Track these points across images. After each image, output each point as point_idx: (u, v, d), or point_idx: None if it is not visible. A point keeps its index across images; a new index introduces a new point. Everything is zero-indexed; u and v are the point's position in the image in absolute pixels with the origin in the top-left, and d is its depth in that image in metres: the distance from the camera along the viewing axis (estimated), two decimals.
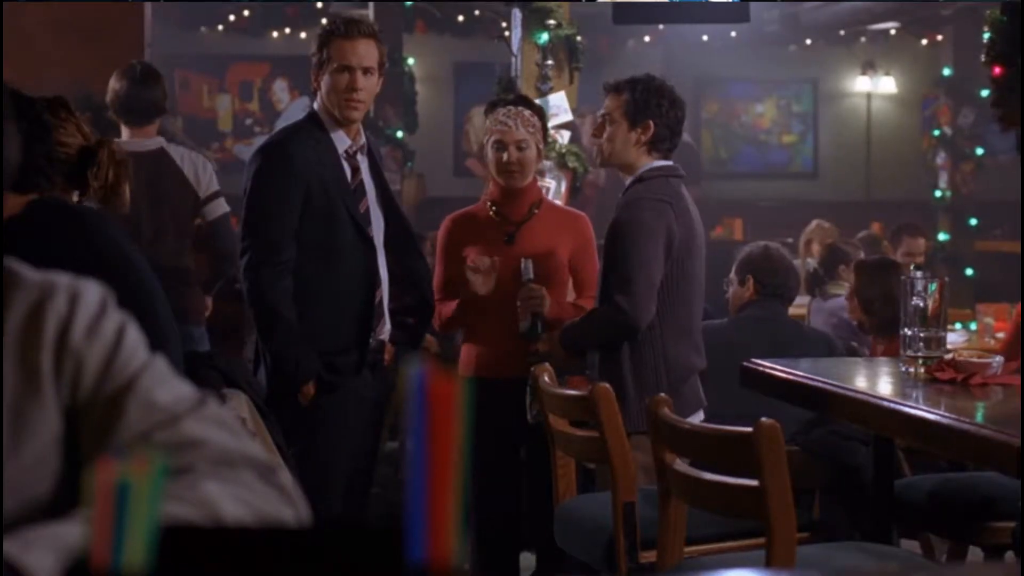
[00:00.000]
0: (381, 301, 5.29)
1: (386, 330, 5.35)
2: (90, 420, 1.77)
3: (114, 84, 6.62)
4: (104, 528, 1.27)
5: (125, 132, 6.60)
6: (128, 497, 1.29)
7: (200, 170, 6.64)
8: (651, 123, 5.22)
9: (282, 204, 5.13)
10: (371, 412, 5.30)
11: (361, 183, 5.28)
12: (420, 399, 1.14)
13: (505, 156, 5.52)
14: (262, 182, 5.17)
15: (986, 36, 5.36)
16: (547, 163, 7.18)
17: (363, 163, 5.31)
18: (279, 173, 5.14)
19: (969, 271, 14.37)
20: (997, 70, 5.26)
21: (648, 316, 5.05)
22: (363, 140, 5.33)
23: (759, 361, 5.03)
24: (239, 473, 1.69)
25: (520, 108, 5.60)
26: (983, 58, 5.33)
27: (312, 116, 5.29)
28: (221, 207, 6.76)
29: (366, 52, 5.17)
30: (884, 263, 6.50)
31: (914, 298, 4.61)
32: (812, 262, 9.37)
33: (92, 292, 1.82)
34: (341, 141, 5.24)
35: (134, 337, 1.82)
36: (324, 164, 5.18)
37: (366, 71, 5.16)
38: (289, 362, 5.05)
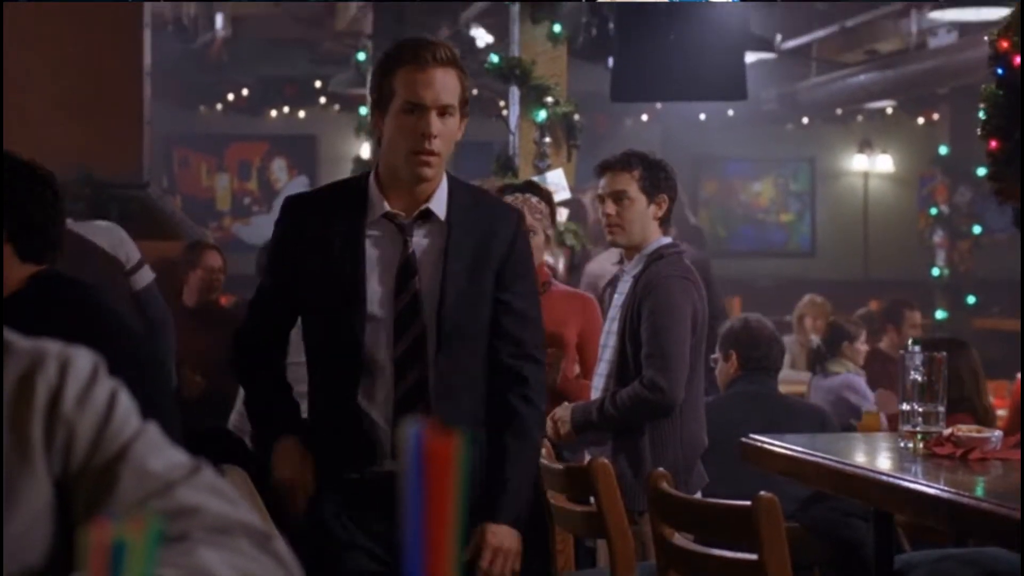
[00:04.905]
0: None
1: None
2: (83, 489, 1.76)
3: None
4: None
5: None
6: (122, 564, 1.28)
7: (116, 242, 6.31)
8: (665, 197, 5.22)
9: (274, 280, 4.02)
10: None
11: (402, 269, 3.83)
12: (417, 457, 1.14)
13: None
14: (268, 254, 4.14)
15: (981, 110, 5.38)
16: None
17: (423, 243, 3.84)
18: (280, 241, 3.98)
19: None
20: (993, 143, 5.28)
21: (682, 395, 5.03)
22: (431, 206, 3.84)
23: (757, 437, 5.02)
24: (235, 540, 1.68)
25: (528, 195, 5.58)
26: (979, 132, 5.35)
27: (368, 173, 3.94)
28: (147, 275, 6.56)
29: (444, 85, 3.75)
30: (950, 342, 6.42)
31: (912, 372, 4.60)
32: (815, 339, 9.37)
33: (83, 359, 1.81)
34: (377, 207, 3.84)
35: (126, 404, 1.81)
36: (333, 240, 3.83)
37: (443, 111, 3.76)
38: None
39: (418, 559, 1.13)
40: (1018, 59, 5.27)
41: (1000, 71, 5.30)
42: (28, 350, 1.80)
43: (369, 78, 10.75)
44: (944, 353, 4.64)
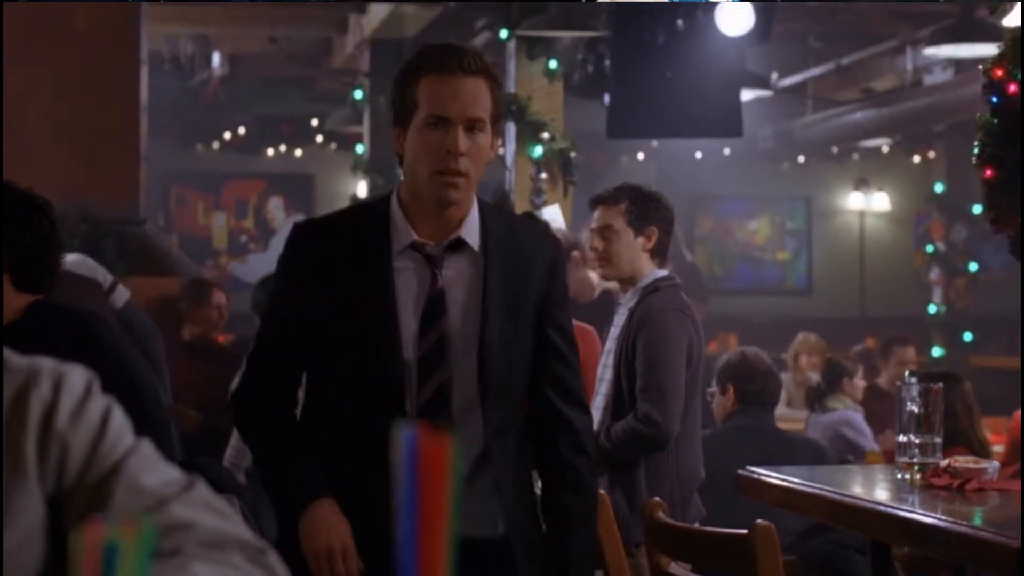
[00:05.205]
0: None
1: None
2: (77, 505, 1.75)
3: None
4: None
5: None
6: None
7: (91, 266, 6.36)
8: (654, 229, 5.19)
9: (280, 313, 3.49)
10: None
11: (429, 307, 3.37)
12: (411, 461, 1.13)
13: None
14: (275, 281, 3.59)
15: (977, 140, 5.38)
16: None
17: (449, 275, 3.39)
18: (289, 274, 3.48)
19: None
20: (989, 172, 5.28)
21: (677, 428, 5.02)
22: (462, 235, 3.39)
23: (754, 469, 5.01)
24: (228, 555, 1.68)
25: None
26: (974, 160, 5.34)
27: (389, 196, 3.45)
28: (124, 293, 6.60)
29: (473, 96, 3.29)
30: (943, 375, 6.43)
31: (909, 404, 4.59)
32: (815, 376, 9.36)
33: (77, 376, 1.81)
34: (403, 235, 3.38)
35: (120, 421, 1.81)
36: (357, 273, 3.37)
37: (472, 125, 3.29)
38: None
39: (412, 566, 1.13)
40: (1012, 86, 5.27)
41: (994, 99, 5.31)
42: (23, 367, 1.80)
43: (366, 116, 10.72)
44: (941, 384, 4.64)
